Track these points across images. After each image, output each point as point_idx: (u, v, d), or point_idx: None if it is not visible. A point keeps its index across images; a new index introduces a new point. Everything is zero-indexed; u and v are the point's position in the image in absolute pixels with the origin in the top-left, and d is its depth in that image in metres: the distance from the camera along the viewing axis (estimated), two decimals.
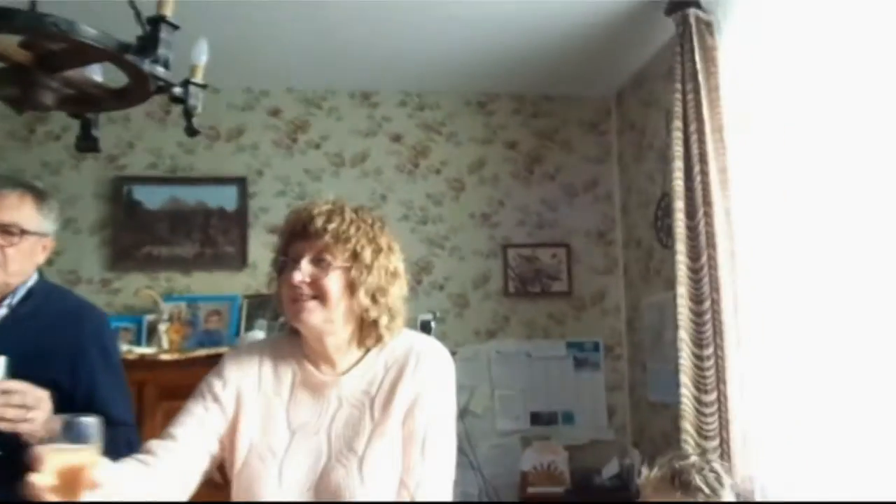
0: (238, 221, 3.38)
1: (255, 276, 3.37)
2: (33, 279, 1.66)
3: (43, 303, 1.64)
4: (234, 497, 1.29)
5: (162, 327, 2.86)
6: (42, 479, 0.94)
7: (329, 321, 1.29)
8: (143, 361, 2.62)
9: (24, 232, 1.58)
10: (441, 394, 1.34)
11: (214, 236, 3.34)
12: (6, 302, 1.61)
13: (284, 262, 1.32)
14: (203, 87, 1.64)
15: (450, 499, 1.30)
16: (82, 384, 1.57)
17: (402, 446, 1.28)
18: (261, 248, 3.40)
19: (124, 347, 2.80)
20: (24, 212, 1.59)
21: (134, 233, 3.29)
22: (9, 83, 1.52)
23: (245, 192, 3.41)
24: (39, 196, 1.65)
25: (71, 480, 0.95)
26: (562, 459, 3.23)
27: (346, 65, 3.32)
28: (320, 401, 1.31)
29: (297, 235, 1.32)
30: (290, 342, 1.38)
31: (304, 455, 1.26)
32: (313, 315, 1.27)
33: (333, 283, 1.28)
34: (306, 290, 1.27)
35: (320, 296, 1.27)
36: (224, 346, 3.01)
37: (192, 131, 1.64)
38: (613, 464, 3.21)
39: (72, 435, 0.99)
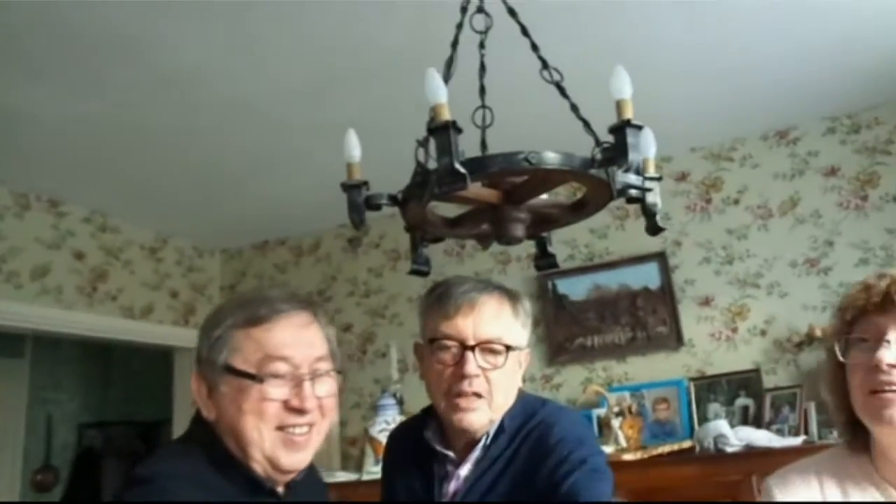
0: (664, 299, 3.17)
1: (694, 355, 3.11)
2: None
3: (515, 435, 1.29)
4: None
5: (615, 423, 2.75)
6: None
7: None
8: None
9: (508, 348, 1.28)
10: None
11: (644, 318, 3.18)
12: (480, 444, 1.29)
13: (850, 341, 1.10)
14: (658, 179, 1.49)
15: None
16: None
17: None
18: (694, 323, 3.14)
19: None
20: (504, 323, 1.30)
21: (565, 326, 3.31)
22: (477, 223, 1.57)
23: (667, 267, 3.20)
24: (513, 298, 1.34)
25: None
26: None
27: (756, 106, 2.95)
28: None
29: (875, 310, 1.08)
30: (853, 457, 1.13)
31: None
32: None
33: None
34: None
35: None
36: (680, 439, 2.78)
37: (655, 229, 1.48)
38: None
39: None
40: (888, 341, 1.03)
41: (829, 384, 1.14)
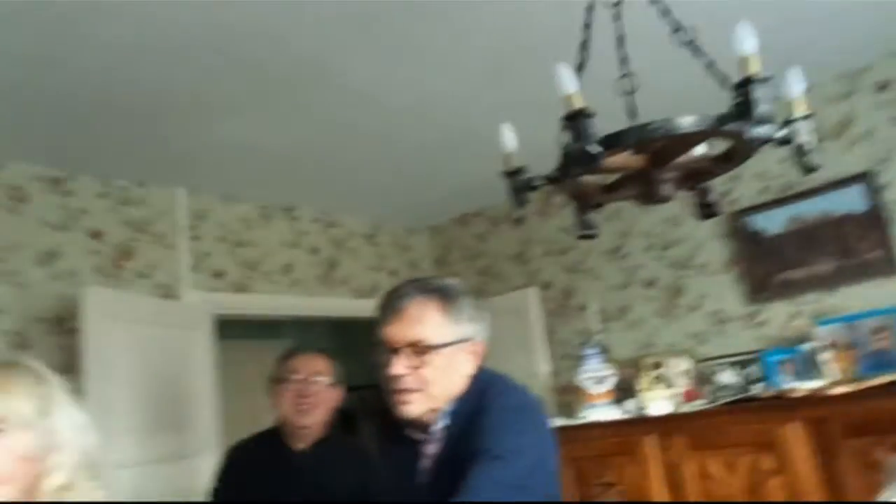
0: (873, 222, 2.97)
1: None
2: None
3: (460, 420, 1.39)
4: None
5: (825, 356, 2.69)
6: None
7: None
8: (814, 398, 2.49)
9: (432, 347, 1.37)
10: None
11: (853, 245, 3.01)
12: (434, 431, 1.40)
13: None
14: (808, 117, 1.51)
15: None
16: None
17: None
18: None
19: (790, 384, 2.74)
20: (427, 324, 1.39)
21: (763, 262, 3.25)
22: (632, 186, 1.71)
23: (874, 188, 2.99)
24: (444, 298, 1.42)
25: None
26: None
27: None
28: None
29: None
30: None
31: None
32: None
33: None
34: None
35: None
36: None
37: (808, 169, 1.52)
38: None
39: None
40: None
41: None
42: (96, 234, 3.17)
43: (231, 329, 3.97)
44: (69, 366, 2.74)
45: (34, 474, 1.12)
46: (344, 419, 5.97)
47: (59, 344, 2.89)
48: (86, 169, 3.15)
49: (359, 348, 6.15)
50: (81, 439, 1.19)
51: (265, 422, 2.22)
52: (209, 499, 2.15)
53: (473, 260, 4.50)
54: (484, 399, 1.37)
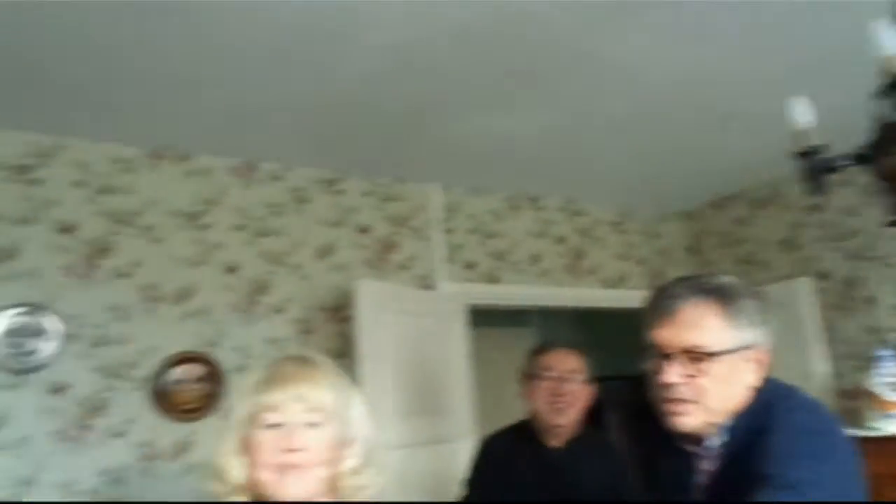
0: None
1: None
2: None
3: (741, 436, 1.24)
4: None
5: None
6: None
7: None
8: None
9: (710, 355, 1.23)
10: None
11: None
12: (710, 447, 1.27)
13: None
14: None
15: None
16: None
17: None
18: None
19: None
20: (705, 328, 1.24)
21: None
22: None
23: None
24: (725, 300, 1.26)
25: None
26: None
27: None
28: None
29: None
30: None
31: None
32: None
33: None
34: None
35: None
36: None
37: None
38: None
39: None
40: None
41: None
42: (364, 230, 3.45)
43: (478, 317, 4.09)
44: (344, 351, 3.01)
45: (338, 460, 1.22)
46: (589, 411, 5.93)
47: (336, 331, 3.20)
48: (354, 170, 3.43)
49: (605, 339, 6.07)
50: (367, 428, 1.28)
51: (513, 407, 2.23)
52: (463, 488, 2.22)
53: (732, 247, 4.13)
54: (770, 416, 1.22)
